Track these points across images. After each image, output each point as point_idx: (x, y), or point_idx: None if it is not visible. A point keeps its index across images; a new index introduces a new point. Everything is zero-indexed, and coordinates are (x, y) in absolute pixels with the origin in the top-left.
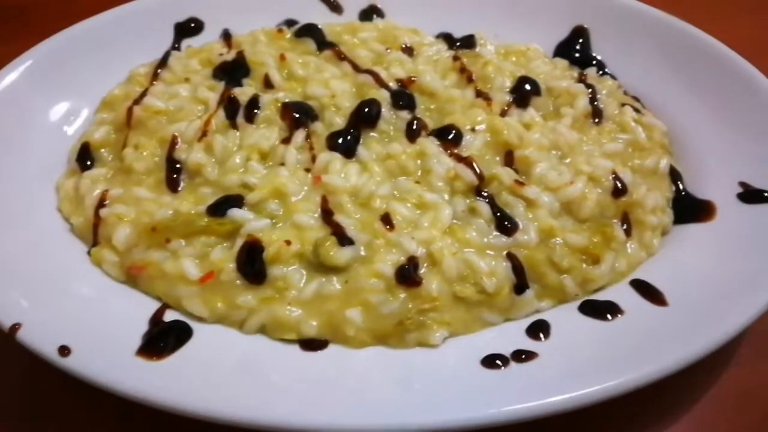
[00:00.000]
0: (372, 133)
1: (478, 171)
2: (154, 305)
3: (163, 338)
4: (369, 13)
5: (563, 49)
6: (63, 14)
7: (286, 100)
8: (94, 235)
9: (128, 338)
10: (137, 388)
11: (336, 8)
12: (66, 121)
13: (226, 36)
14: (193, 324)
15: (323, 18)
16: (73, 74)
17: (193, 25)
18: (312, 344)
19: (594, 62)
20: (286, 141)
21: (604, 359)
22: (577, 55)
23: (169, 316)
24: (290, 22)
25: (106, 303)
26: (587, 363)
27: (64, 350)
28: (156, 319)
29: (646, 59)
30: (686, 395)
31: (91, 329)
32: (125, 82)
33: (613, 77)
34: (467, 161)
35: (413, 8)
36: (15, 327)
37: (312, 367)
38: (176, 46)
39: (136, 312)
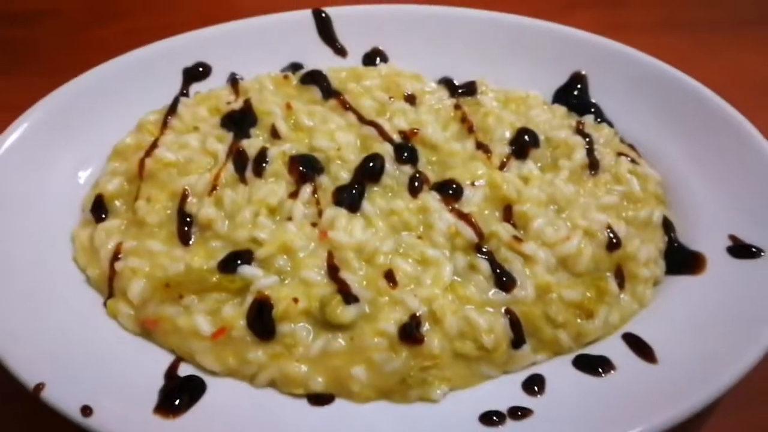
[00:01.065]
0: (376, 188)
1: (477, 228)
2: (168, 358)
3: (179, 394)
4: (372, 57)
5: (562, 95)
6: (68, 46)
7: (293, 152)
8: (109, 287)
9: (145, 394)
10: None
11: (340, 52)
12: (78, 168)
13: (233, 82)
14: (205, 377)
15: (328, 61)
16: (84, 122)
17: (200, 69)
18: (319, 399)
19: (592, 109)
20: (293, 195)
21: (595, 419)
22: (575, 100)
23: (184, 368)
24: (296, 66)
25: (122, 356)
26: (579, 422)
27: (86, 410)
28: (171, 374)
29: (643, 107)
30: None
31: (110, 386)
32: (136, 131)
33: (610, 124)
34: (467, 218)
35: (416, 52)
36: (39, 387)
37: (319, 421)
38: (185, 92)
39: (152, 366)
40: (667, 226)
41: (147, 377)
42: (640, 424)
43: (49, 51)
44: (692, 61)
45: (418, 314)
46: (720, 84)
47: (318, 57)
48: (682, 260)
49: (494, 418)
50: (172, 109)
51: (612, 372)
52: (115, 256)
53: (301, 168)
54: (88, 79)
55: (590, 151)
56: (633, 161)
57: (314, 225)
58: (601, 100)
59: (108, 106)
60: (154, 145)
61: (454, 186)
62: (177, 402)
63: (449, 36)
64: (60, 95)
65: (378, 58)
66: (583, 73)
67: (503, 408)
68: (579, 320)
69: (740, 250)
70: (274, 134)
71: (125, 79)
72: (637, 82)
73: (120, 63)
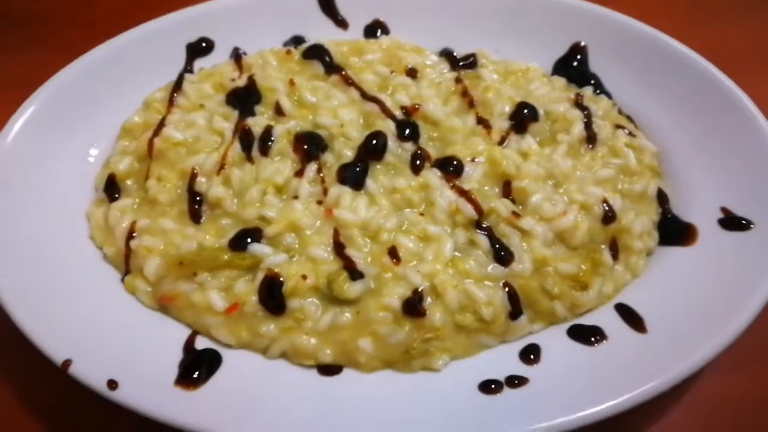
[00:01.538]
0: (379, 165)
1: (477, 205)
2: (186, 332)
3: (197, 366)
4: (374, 29)
5: (562, 66)
6: (74, 20)
7: (298, 130)
8: (126, 264)
9: (166, 368)
10: (178, 418)
11: (342, 24)
12: (88, 147)
13: (237, 57)
14: (221, 350)
15: (330, 33)
16: (91, 101)
17: (204, 44)
18: (328, 369)
19: (591, 80)
20: (299, 174)
21: (587, 387)
22: (574, 71)
23: (200, 341)
24: (297, 39)
25: (143, 331)
26: (572, 390)
27: (112, 384)
28: (189, 347)
29: (642, 78)
30: (658, 403)
31: (132, 360)
32: (143, 109)
33: (608, 95)
34: (468, 196)
35: (417, 23)
36: (66, 363)
37: (328, 389)
38: (189, 68)
39: (171, 339)
40: (661, 197)
41: (166, 351)
42: (628, 391)
43: (55, 24)
44: (691, 24)
45: (420, 289)
46: (718, 48)
47: (320, 29)
48: (674, 231)
49: (492, 386)
50: (178, 86)
51: (604, 342)
52: (130, 235)
53: (305, 146)
54: (92, 58)
55: (588, 125)
56: (630, 134)
57: (320, 203)
58: (601, 70)
59: (114, 83)
60: (161, 124)
61: (455, 162)
62: (196, 374)
63: (450, 7)
64: (65, 75)
65: (379, 30)
66: (583, 44)
67: (501, 377)
68: (574, 292)
69: (731, 222)
70: (279, 111)
71: (129, 57)
72: (636, 53)
73: (123, 40)
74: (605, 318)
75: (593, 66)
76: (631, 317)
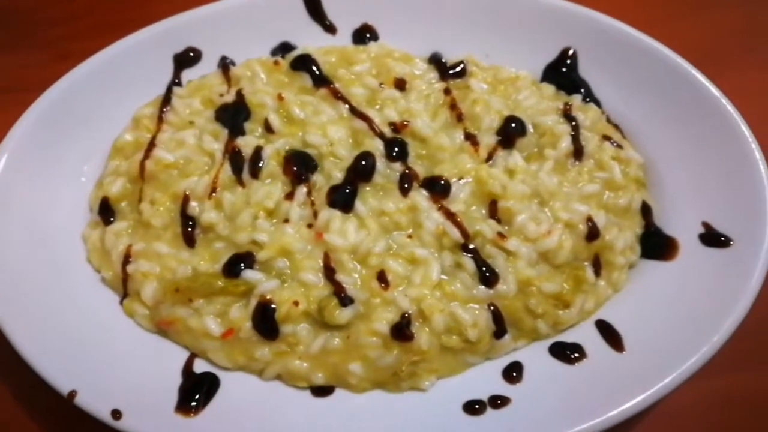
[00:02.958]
0: (367, 187)
1: (463, 229)
2: (185, 354)
3: (197, 391)
4: (362, 33)
5: (551, 72)
6: (61, 18)
7: (287, 149)
8: (123, 287)
9: (166, 393)
10: None
11: (330, 29)
12: (80, 166)
13: (225, 68)
14: (219, 373)
15: (318, 39)
16: (80, 119)
17: (191, 54)
18: (321, 390)
19: (581, 87)
20: (289, 196)
21: (567, 407)
22: (564, 77)
23: (199, 363)
24: (285, 47)
25: (142, 356)
26: (552, 411)
27: (116, 414)
28: (188, 370)
29: (631, 85)
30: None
31: (134, 387)
32: (133, 127)
33: (597, 102)
34: (454, 219)
35: (406, 27)
36: (72, 394)
37: (322, 409)
38: (177, 80)
39: (170, 362)
40: (645, 210)
41: (166, 374)
42: (604, 413)
43: (42, 22)
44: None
45: (407, 314)
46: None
47: (308, 35)
48: (657, 245)
49: (476, 407)
50: (167, 101)
51: (584, 360)
52: (126, 259)
53: (295, 168)
54: (79, 74)
55: (575, 138)
56: (618, 145)
57: (310, 226)
58: (590, 77)
59: (102, 99)
60: (152, 143)
61: (442, 182)
62: (195, 400)
63: (440, 10)
64: (52, 94)
65: (368, 35)
66: (572, 50)
67: (484, 396)
68: (557, 310)
69: (711, 238)
70: (268, 128)
71: (116, 70)
72: (625, 59)
73: (109, 54)
74: (586, 334)
75: (583, 72)
76: (610, 335)
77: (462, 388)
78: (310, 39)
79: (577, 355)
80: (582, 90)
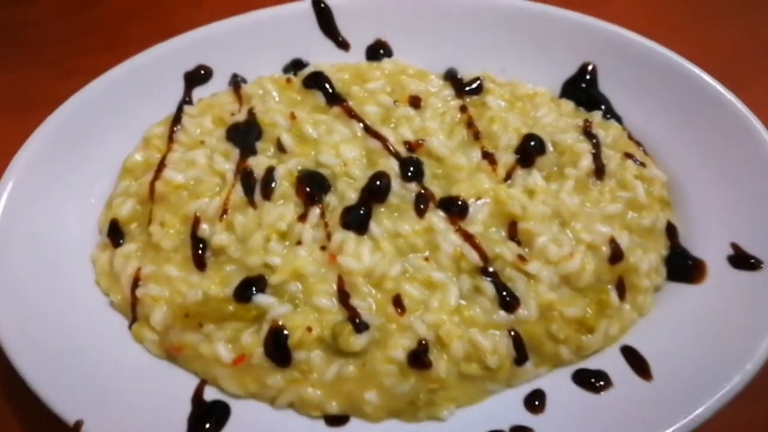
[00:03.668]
0: (382, 208)
1: (482, 252)
2: (194, 380)
3: (206, 420)
4: (376, 50)
5: (570, 88)
6: (67, 35)
7: (299, 169)
8: (132, 311)
9: (175, 422)
10: None
11: (343, 45)
12: (90, 185)
13: (236, 86)
14: (230, 401)
15: (331, 55)
16: (89, 139)
17: (202, 72)
18: (335, 420)
19: (601, 104)
20: (301, 218)
21: None
22: (583, 94)
23: (210, 391)
24: (297, 64)
25: (151, 382)
26: None
27: None
28: (198, 398)
29: (653, 101)
30: None
31: (142, 415)
32: (143, 146)
33: (618, 119)
34: (472, 241)
35: (420, 42)
36: (78, 424)
37: None
38: (187, 98)
39: (179, 391)
40: (671, 231)
41: (175, 403)
42: None
43: (48, 39)
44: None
45: (425, 341)
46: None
47: (320, 52)
48: (683, 267)
49: None
50: (177, 120)
51: (610, 389)
52: (135, 283)
53: (308, 188)
54: (87, 93)
55: (597, 156)
56: (641, 163)
57: (323, 248)
58: (611, 92)
59: (111, 119)
60: (162, 164)
61: (459, 203)
62: (205, 428)
63: (456, 25)
64: (60, 114)
65: (381, 51)
66: (592, 65)
67: (506, 426)
68: (580, 335)
69: (740, 260)
70: (280, 148)
71: (126, 89)
72: (647, 75)
73: (119, 72)
74: (611, 361)
75: (603, 87)
76: (636, 361)
77: (482, 418)
78: (322, 55)
79: (602, 383)
80: (602, 106)
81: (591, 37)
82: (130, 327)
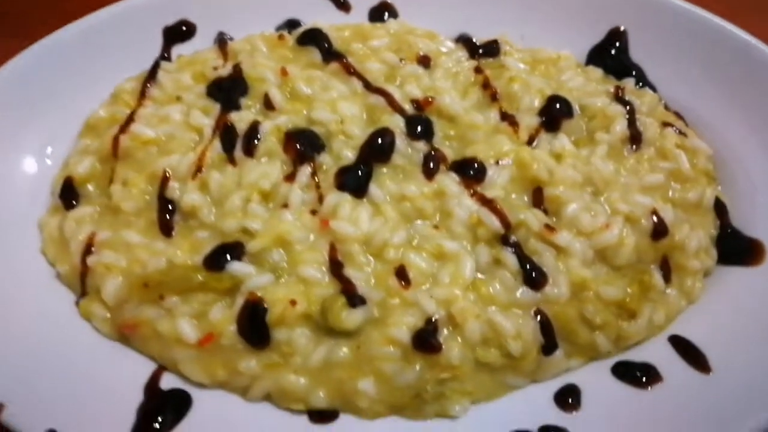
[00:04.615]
0: (385, 169)
1: (503, 217)
2: (150, 367)
3: (160, 412)
4: (380, 12)
5: (597, 55)
6: (45, 15)
7: (289, 127)
8: (82, 284)
9: (122, 413)
10: None
11: (343, 6)
12: (46, 145)
13: (221, 43)
14: (192, 390)
15: (329, 17)
16: (51, 93)
17: (184, 28)
18: (321, 415)
19: (632, 71)
20: (289, 178)
21: None
22: (612, 61)
23: (167, 379)
24: (292, 23)
25: (97, 366)
26: None
27: None
28: (152, 386)
29: (692, 69)
30: None
31: (81, 404)
32: (110, 102)
33: (652, 88)
34: (492, 205)
35: (429, 6)
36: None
37: None
38: (165, 54)
39: (131, 377)
40: (720, 208)
41: (125, 391)
42: None
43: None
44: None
45: (434, 318)
46: None
47: (317, 13)
48: (736, 248)
49: None
50: (152, 76)
51: (659, 383)
52: (88, 249)
53: (298, 146)
54: (52, 42)
55: (632, 122)
56: (680, 132)
57: (314, 213)
58: (643, 60)
59: (78, 73)
60: (130, 118)
61: (476, 165)
62: (158, 422)
63: None
64: (19, 62)
65: (386, 14)
66: (622, 29)
67: (533, 426)
68: (619, 321)
69: None
70: (268, 105)
71: (97, 42)
72: (685, 40)
73: (90, 22)
74: (658, 353)
75: (634, 55)
76: (689, 352)
77: (503, 416)
78: (320, 17)
79: (649, 376)
80: (634, 74)
81: (621, 1)
82: (77, 302)
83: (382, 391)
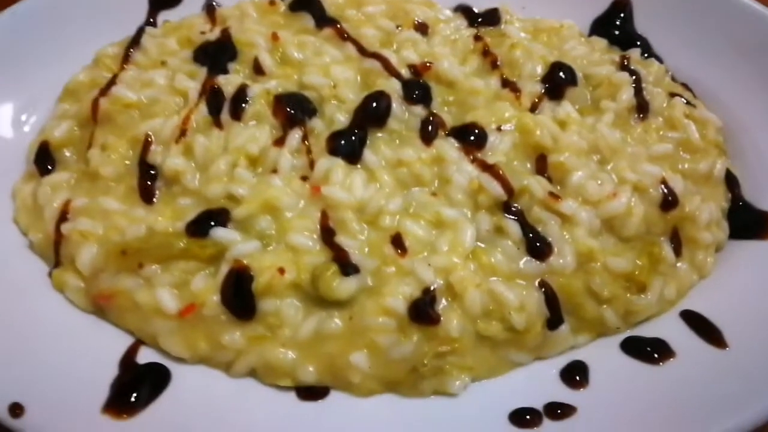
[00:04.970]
0: (380, 133)
1: (506, 183)
2: (126, 341)
3: (136, 387)
4: None
5: (601, 26)
6: None
7: (279, 91)
8: (56, 253)
9: (94, 388)
10: None
11: None
12: (23, 111)
13: (210, 8)
14: (171, 365)
15: None
16: (30, 55)
17: None
18: (310, 392)
19: (637, 42)
20: (278, 142)
21: (653, 419)
22: (617, 32)
23: (144, 353)
24: None
25: (69, 340)
26: (632, 423)
27: (16, 409)
28: (128, 361)
29: (699, 40)
30: None
31: (51, 378)
32: (91, 66)
33: (659, 59)
34: (494, 171)
35: None
36: None
37: (311, 418)
38: (151, 20)
39: (105, 351)
40: (731, 180)
41: (98, 365)
42: (711, 426)
43: None
44: None
45: (432, 288)
46: None
47: None
48: (748, 222)
49: (527, 416)
50: (136, 41)
51: (671, 359)
52: (63, 217)
53: (288, 109)
54: (31, 5)
55: (638, 91)
56: (689, 103)
57: (304, 179)
58: (649, 31)
59: (59, 37)
60: (111, 82)
61: (477, 131)
62: (133, 397)
63: None
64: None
65: None
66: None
67: (538, 404)
68: (628, 294)
69: None
70: (257, 69)
71: (79, 6)
72: (692, 10)
73: None
74: (669, 328)
75: (639, 26)
76: (703, 327)
77: (506, 393)
78: None
79: (661, 352)
80: (638, 44)
81: None
82: (50, 273)
83: (376, 366)
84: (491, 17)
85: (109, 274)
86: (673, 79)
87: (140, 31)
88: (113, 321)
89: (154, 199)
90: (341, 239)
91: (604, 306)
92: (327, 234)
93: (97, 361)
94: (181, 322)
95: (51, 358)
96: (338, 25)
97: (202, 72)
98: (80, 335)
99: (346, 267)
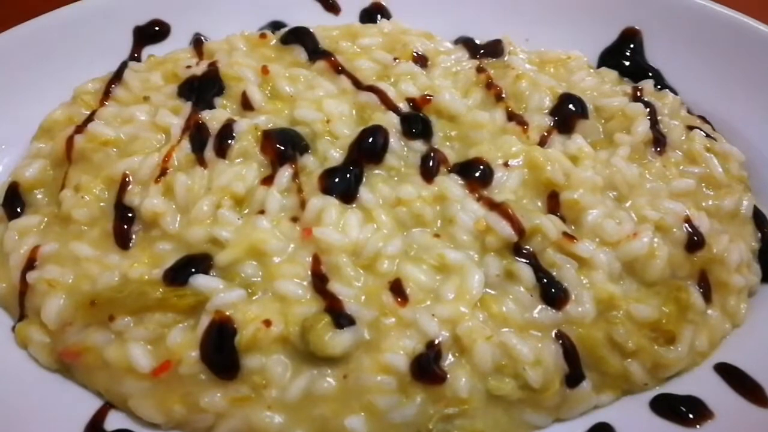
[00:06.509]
0: (377, 170)
1: (516, 222)
2: (93, 403)
3: None
4: (372, 14)
5: (610, 57)
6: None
7: (269, 126)
8: (20, 305)
9: None
10: None
11: (332, 8)
12: None
13: (197, 42)
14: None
15: (316, 20)
16: (6, 92)
17: (157, 28)
18: None
19: (649, 73)
20: (266, 181)
21: None
22: (627, 63)
23: (113, 418)
24: (276, 25)
25: (32, 403)
26: None
27: None
28: (95, 427)
29: (715, 71)
30: None
31: None
32: (69, 103)
33: (673, 91)
34: (502, 209)
35: (426, 7)
36: None
37: None
38: (135, 55)
39: (70, 415)
40: (760, 218)
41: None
42: None
43: None
44: None
45: (437, 341)
46: None
47: (304, 15)
48: None
49: None
50: (117, 76)
51: (709, 420)
52: (30, 264)
53: (278, 145)
54: (11, 40)
55: (654, 123)
56: (708, 136)
57: (294, 220)
58: (661, 62)
59: (38, 74)
60: (89, 119)
61: (482, 167)
62: None
63: None
64: None
65: (379, 16)
66: (637, 28)
67: None
68: (656, 346)
69: None
70: (245, 105)
71: (60, 40)
72: (707, 41)
73: (54, 19)
74: (704, 384)
75: (651, 57)
76: (742, 382)
77: None
78: (307, 19)
79: (697, 413)
80: (651, 76)
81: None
82: (13, 328)
83: (374, 430)
84: (494, 49)
85: (77, 328)
86: (689, 111)
87: (123, 66)
88: (80, 381)
89: (130, 244)
90: (334, 286)
91: (629, 359)
92: (319, 281)
93: (60, 429)
94: (154, 382)
95: (12, 424)
96: (332, 58)
97: (187, 107)
98: (44, 397)
99: (340, 318)
